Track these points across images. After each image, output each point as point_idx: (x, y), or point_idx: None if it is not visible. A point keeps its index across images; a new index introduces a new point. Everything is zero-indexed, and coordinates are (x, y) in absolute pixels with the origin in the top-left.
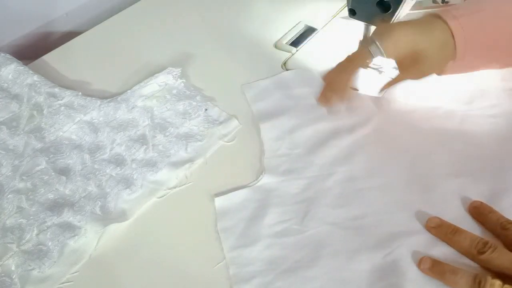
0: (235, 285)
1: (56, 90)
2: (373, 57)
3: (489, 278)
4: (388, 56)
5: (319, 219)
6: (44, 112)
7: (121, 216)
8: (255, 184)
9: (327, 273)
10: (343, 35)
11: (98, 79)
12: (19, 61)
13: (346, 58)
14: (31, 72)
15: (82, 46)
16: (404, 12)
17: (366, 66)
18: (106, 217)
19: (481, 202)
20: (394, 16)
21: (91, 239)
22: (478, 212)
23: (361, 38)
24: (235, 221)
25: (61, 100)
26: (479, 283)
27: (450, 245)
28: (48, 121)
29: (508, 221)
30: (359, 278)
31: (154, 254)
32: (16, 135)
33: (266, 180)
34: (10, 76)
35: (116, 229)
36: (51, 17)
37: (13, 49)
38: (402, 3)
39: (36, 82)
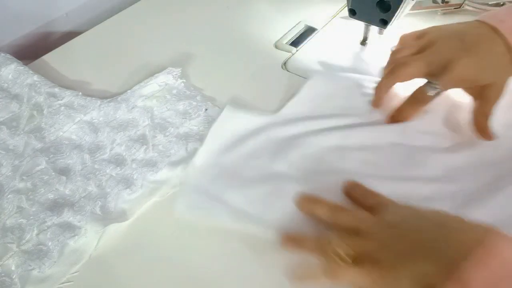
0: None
1: (56, 90)
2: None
3: (331, 237)
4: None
5: (291, 164)
6: (44, 112)
7: (121, 216)
8: (269, 114)
9: (268, 200)
10: (343, 35)
11: (98, 79)
12: (19, 61)
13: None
14: (31, 72)
15: (82, 46)
16: (404, 12)
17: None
18: (106, 217)
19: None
20: (394, 16)
21: (91, 239)
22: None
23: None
24: (226, 131)
25: (61, 100)
26: (324, 243)
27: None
28: (48, 121)
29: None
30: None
31: (154, 254)
32: (16, 135)
33: (284, 112)
34: (10, 76)
35: (116, 229)
36: (51, 17)
37: (13, 49)
38: (402, 3)
39: (36, 82)
